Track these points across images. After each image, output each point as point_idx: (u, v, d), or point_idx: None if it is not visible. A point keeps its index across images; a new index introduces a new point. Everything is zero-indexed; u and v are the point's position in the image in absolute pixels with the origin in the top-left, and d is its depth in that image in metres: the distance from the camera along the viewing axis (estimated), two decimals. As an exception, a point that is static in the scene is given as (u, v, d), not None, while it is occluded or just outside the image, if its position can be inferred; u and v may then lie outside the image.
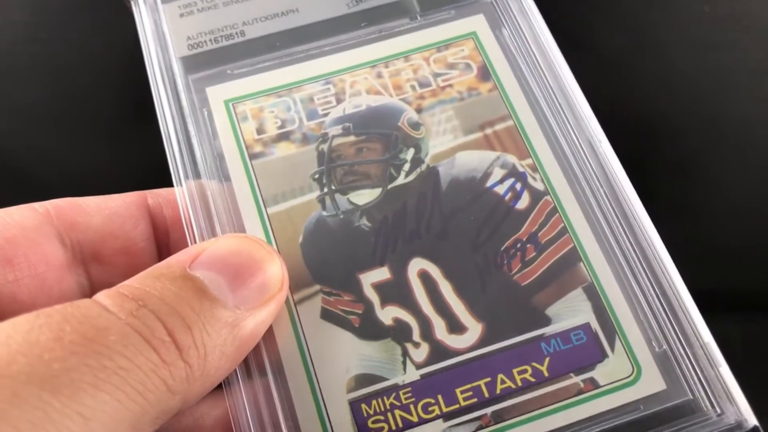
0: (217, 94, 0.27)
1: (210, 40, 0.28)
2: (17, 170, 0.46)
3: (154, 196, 0.26)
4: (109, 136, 0.45)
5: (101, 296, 0.20)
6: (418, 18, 0.29)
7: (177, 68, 0.28)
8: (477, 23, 0.29)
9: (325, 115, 0.27)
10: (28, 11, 0.44)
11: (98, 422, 0.17)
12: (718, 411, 0.23)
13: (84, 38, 0.44)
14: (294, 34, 0.29)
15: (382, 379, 0.23)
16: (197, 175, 0.26)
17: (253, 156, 0.26)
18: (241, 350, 0.21)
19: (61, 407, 0.17)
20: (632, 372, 0.23)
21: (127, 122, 0.44)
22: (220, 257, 0.22)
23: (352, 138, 0.27)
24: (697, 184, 0.44)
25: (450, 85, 0.28)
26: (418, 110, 0.27)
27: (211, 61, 0.28)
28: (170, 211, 0.26)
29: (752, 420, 0.22)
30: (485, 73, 0.28)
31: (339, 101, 0.27)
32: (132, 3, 0.29)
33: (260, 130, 0.27)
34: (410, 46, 0.29)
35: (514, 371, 0.23)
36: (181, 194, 0.25)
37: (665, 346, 0.23)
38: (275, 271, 0.22)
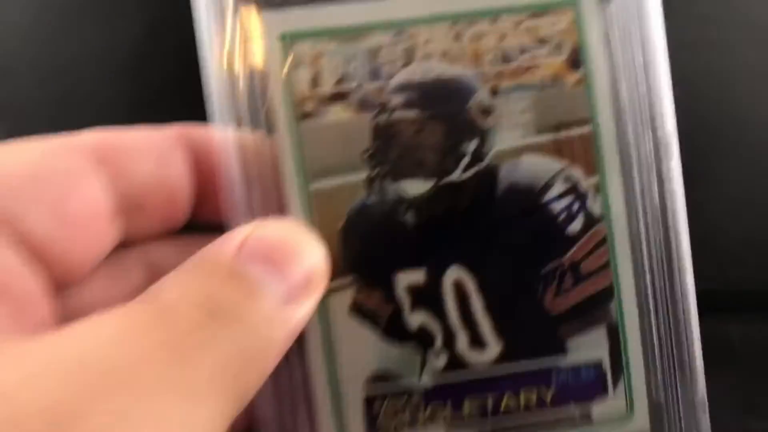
0: (273, 22, 0.23)
1: (269, -54, 0.23)
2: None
3: (195, 140, 0.24)
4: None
5: (167, 291, 0.19)
6: (518, -38, 0.24)
7: (226, -19, 0.23)
8: (583, -12, 0.25)
9: (390, 77, 0.24)
10: (30, 12, 0.43)
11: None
12: (688, 461, 0.25)
13: (86, 39, 0.43)
14: (371, -42, 0.24)
15: (399, 380, 0.24)
16: (241, 123, 0.23)
17: (303, 116, 0.24)
18: (285, 345, 0.22)
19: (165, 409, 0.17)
20: (625, 413, 0.25)
21: (130, 123, 0.41)
22: (267, 248, 0.21)
23: (412, 114, 0.24)
24: (695, 184, 0.42)
25: (536, 67, 0.24)
26: (494, 91, 0.24)
27: (268, -23, 0.23)
28: (208, 165, 0.24)
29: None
30: (576, 59, 0.25)
31: (407, 62, 0.24)
32: None
33: (315, 82, 0.24)
34: (501, 2, 0.24)
35: (522, 392, 0.25)
36: (224, 153, 0.23)
37: (663, 396, 0.25)
38: (321, 266, 0.22)
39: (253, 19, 0.23)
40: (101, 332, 0.18)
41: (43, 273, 0.21)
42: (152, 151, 0.23)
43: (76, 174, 0.22)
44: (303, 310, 0.21)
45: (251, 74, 0.23)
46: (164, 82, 0.45)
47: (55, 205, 0.21)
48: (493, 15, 0.24)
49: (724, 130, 0.44)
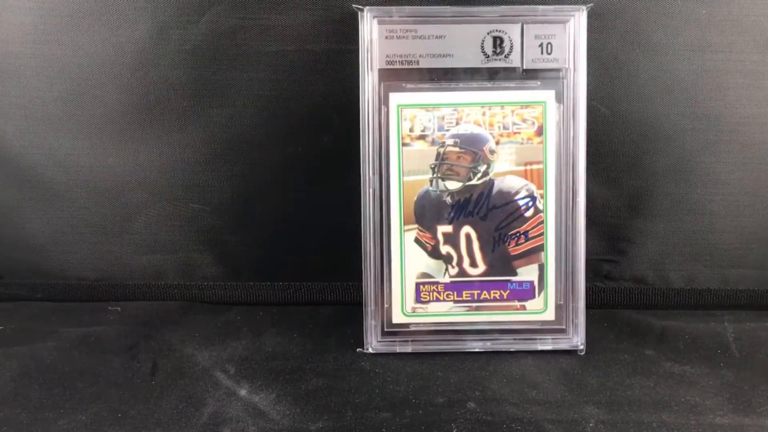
0: (395, 99, 0.48)
1: (398, 61, 0.48)
2: (27, 170, 0.49)
3: None
4: (117, 137, 0.48)
5: None
6: (522, 75, 0.49)
7: (375, 75, 0.48)
8: (548, 95, 0.49)
9: (447, 130, 0.49)
10: (37, 14, 0.47)
11: None
12: (572, 337, 0.50)
13: (93, 40, 0.47)
14: (446, 71, 0.48)
15: (433, 278, 0.50)
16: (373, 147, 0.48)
17: (404, 144, 0.49)
18: None
19: None
20: (543, 308, 0.50)
21: (136, 124, 0.49)
22: None
23: (457, 149, 0.49)
24: (694, 183, 0.48)
25: (519, 132, 0.49)
26: (497, 142, 0.49)
27: (395, 75, 0.48)
28: None
29: (582, 348, 0.50)
30: (540, 130, 0.49)
31: (457, 123, 0.49)
32: (359, 12, 0.47)
33: (411, 130, 0.49)
34: (507, 99, 0.49)
35: (492, 291, 0.50)
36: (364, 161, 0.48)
37: (562, 302, 0.50)
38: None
39: (387, 97, 0.48)
40: None
41: None
42: None
43: None
44: None
45: (381, 122, 0.48)
46: (169, 84, 0.48)
47: None
48: (502, 105, 0.49)
49: (723, 130, 0.47)
